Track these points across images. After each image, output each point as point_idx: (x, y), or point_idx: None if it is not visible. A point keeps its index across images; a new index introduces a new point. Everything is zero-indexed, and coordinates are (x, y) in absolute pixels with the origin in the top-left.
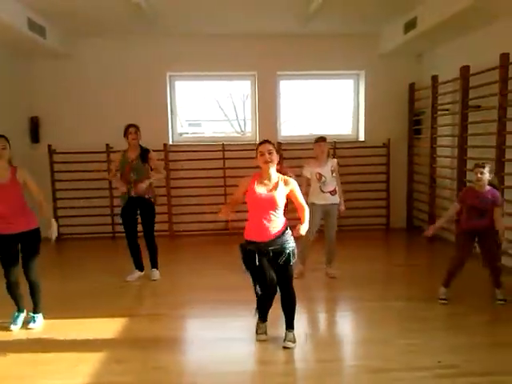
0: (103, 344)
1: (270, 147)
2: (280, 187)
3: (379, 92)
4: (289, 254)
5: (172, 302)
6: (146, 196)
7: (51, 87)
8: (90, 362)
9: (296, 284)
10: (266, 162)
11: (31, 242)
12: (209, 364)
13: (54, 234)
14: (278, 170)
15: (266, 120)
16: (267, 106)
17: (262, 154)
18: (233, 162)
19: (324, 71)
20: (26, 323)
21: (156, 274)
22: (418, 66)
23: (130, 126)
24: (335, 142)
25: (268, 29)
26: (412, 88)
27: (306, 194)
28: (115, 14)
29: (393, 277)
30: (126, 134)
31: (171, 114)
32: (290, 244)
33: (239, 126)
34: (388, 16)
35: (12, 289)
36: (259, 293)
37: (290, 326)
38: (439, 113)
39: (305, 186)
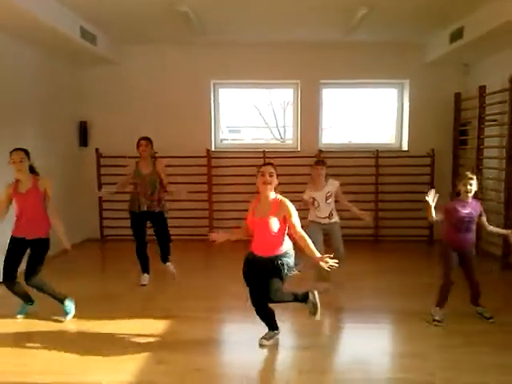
0: (144, 344)
1: (272, 170)
2: (273, 213)
3: (424, 101)
4: (281, 264)
5: (211, 306)
6: (157, 210)
7: (99, 93)
8: (132, 361)
9: (335, 294)
10: (265, 183)
11: (38, 249)
12: (249, 369)
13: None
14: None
15: (307, 128)
16: (309, 114)
17: (263, 175)
18: None
19: (367, 80)
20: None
21: (171, 266)
22: (465, 76)
23: (141, 138)
24: (377, 151)
25: (312, 38)
26: (458, 98)
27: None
28: (163, 23)
29: (434, 290)
30: (137, 146)
31: (214, 121)
32: (285, 260)
33: (279, 133)
34: (434, 26)
35: (9, 287)
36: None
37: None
38: (486, 123)
39: (302, 206)
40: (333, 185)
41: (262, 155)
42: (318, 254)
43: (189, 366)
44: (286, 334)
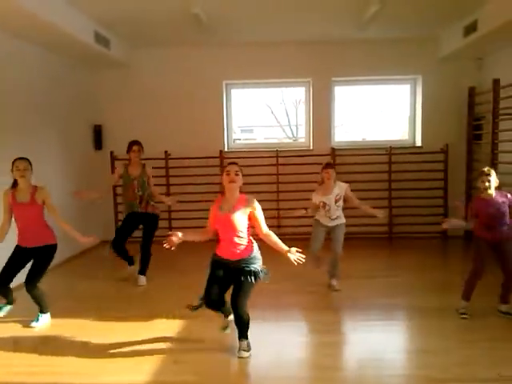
0: (160, 344)
1: (237, 169)
2: (239, 210)
3: (437, 97)
4: (250, 272)
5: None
6: (151, 211)
7: (113, 96)
8: (151, 361)
9: (350, 291)
10: (231, 182)
11: (42, 257)
12: (264, 366)
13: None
14: (241, 192)
15: (319, 126)
16: (321, 112)
17: (228, 174)
18: (286, 168)
19: (380, 76)
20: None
21: (143, 279)
22: (478, 70)
23: (133, 143)
24: (391, 148)
25: (323, 35)
26: (472, 92)
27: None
28: (174, 25)
29: (451, 286)
30: (129, 150)
31: (227, 121)
32: (254, 266)
33: (291, 131)
34: (447, 19)
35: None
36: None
37: (241, 336)
38: (501, 117)
39: (311, 210)
40: (341, 187)
41: (275, 154)
42: (285, 248)
43: (205, 364)
44: (300, 332)
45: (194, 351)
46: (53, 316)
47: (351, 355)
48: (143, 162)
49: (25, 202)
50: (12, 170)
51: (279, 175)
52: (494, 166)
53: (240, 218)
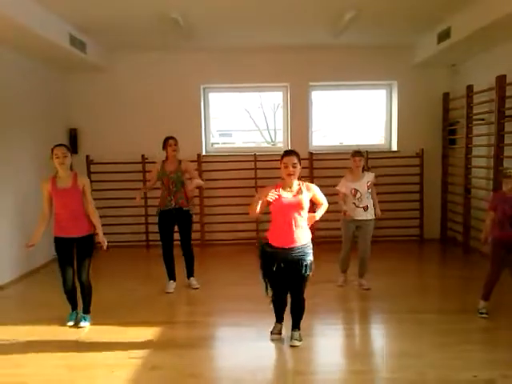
0: (138, 351)
1: (295, 160)
2: (304, 192)
3: (412, 102)
4: (306, 265)
5: (205, 311)
6: (186, 208)
7: (89, 100)
8: (127, 368)
9: (330, 294)
10: (289, 175)
11: (84, 246)
12: (243, 372)
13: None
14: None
15: (297, 130)
16: (299, 117)
17: (286, 167)
18: (264, 172)
19: (356, 82)
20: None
21: (195, 282)
22: (452, 76)
23: (169, 138)
24: (367, 152)
25: (300, 41)
26: (446, 98)
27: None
28: (152, 29)
29: (427, 289)
30: (165, 146)
31: (205, 125)
32: (309, 257)
33: (270, 136)
34: (421, 27)
35: (66, 289)
36: (271, 296)
37: (296, 326)
38: (474, 122)
39: (341, 199)
40: (370, 176)
41: (253, 159)
42: (317, 214)
43: (183, 371)
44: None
45: (172, 357)
46: (26, 322)
47: (326, 359)
48: (180, 158)
49: (66, 188)
50: (51, 158)
51: (257, 179)
52: (467, 169)
53: (306, 200)
